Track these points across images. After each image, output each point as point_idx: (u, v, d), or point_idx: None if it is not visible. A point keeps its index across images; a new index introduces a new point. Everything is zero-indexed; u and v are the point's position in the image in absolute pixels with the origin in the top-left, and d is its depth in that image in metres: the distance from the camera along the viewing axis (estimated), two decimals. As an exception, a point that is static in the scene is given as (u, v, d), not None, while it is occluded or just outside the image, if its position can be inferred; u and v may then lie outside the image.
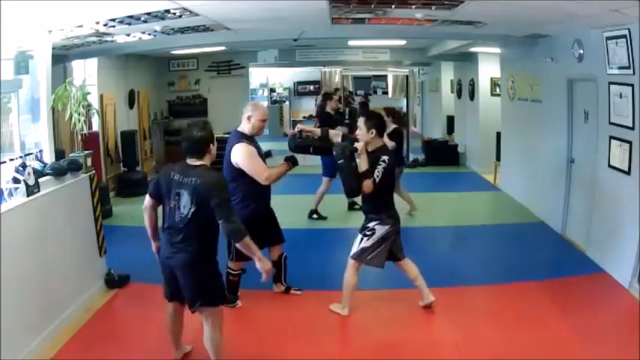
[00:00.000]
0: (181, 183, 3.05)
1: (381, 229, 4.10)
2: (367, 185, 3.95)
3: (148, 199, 3.31)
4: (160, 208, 3.32)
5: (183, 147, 3.16)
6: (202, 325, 3.29)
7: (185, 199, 3.03)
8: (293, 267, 4.83)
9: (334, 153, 4.16)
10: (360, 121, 4.12)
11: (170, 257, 3.15)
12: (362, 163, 4.00)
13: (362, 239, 4.15)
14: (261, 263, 3.16)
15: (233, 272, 4.37)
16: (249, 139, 4.20)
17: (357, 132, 4.12)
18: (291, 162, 4.30)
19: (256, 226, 4.03)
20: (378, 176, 3.95)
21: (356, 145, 4.05)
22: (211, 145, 3.15)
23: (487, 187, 9.39)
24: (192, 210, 3.01)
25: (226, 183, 3.16)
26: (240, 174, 4.10)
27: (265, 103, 17.28)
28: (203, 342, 3.28)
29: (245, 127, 4.25)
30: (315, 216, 7.14)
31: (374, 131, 4.05)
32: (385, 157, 3.99)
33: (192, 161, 3.12)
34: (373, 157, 4.00)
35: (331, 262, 5.12)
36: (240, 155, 4.07)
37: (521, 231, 6.77)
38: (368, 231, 4.12)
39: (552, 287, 4.84)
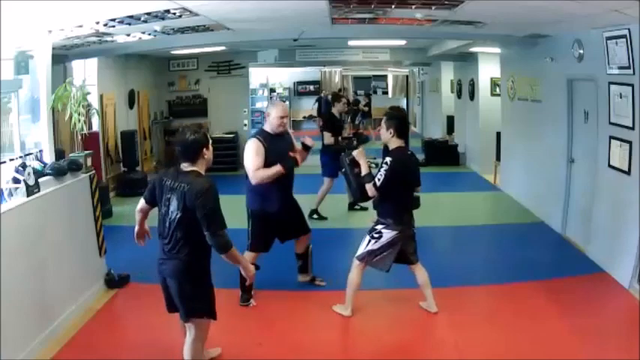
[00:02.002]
0: (172, 188, 3.00)
1: (388, 234, 4.03)
2: (369, 189, 3.93)
3: (142, 203, 3.32)
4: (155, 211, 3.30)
5: (177, 151, 3.07)
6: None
7: (174, 204, 2.97)
8: (293, 267, 4.84)
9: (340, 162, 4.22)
10: (382, 120, 4.12)
11: (162, 263, 3.09)
12: (362, 168, 4.00)
13: (369, 241, 4.10)
14: (246, 270, 3.16)
15: None
16: (267, 136, 4.31)
17: (379, 130, 4.14)
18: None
19: (278, 219, 4.35)
20: (379, 179, 3.90)
21: (353, 152, 4.07)
22: (205, 149, 3.04)
23: (487, 187, 9.39)
24: (179, 216, 2.95)
25: (215, 191, 2.97)
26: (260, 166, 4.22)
27: (265, 103, 17.32)
28: (183, 350, 3.17)
29: (266, 125, 4.40)
30: (315, 216, 7.14)
31: (392, 131, 4.00)
32: (388, 159, 3.92)
33: (185, 166, 3.04)
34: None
35: (331, 263, 5.12)
36: (246, 149, 4.27)
37: (521, 231, 6.77)
38: (375, 233, 4.07)
39: (552, 287, 4.84)
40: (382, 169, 3.90)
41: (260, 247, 4.44)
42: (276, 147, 4.28)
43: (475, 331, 4.08)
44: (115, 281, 4.88)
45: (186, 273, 3.03)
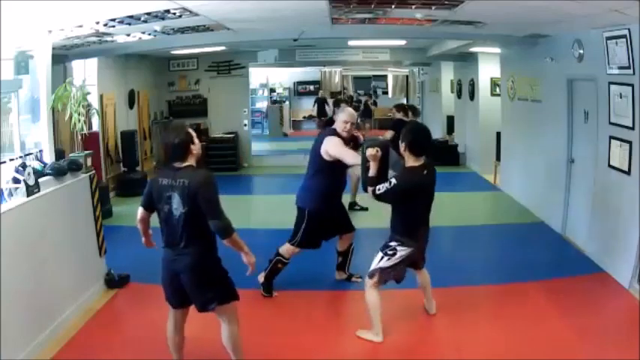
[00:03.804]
0: (172, 186, 3.05)
1: (402, 251, 3.85)
2: (369, 191, 3.80)
3: (141, 212, 3.29)
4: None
5: (167, 154, 3.19)
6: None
7: (177, 200, 3.02)
8: (292, 267, 4.83)
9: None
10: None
11: (174, 260, 3.12)
12: (370, 169, 3.77)
13: (382, 258, 3.88)
14: (248, 257, 3.19)
15: (284, 260, 4.59)
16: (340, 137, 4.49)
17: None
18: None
19: (330, 216, 4.55)
20: (379, 189, 3.69)
21: (367, 150, 3.76)
22: (191, 145, 3.13)
23: (487, 187, 9.39)
24: (184, 211, 3.01)
25: (214, 181, 3.09)
26: (324, 167, 4.41)
27: (265, 103, 17.33)
28: (222, 342, 3.27)
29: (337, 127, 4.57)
30: (357, 207, 7.42)
31: (404, 146, 3.75)
32: (393, 180, 3.67)
33: (178, 164, 3.11)
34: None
35: (330, 263, 5.12)
36: (333, 145, 4.37)
37: (521, 231, 6.77)
38: (389, 250, 3.86)
39: (552, 287, 4.84)
40: (386, 184, 3.68)
41: (309, 244, 4.61)
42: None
43: (475, 331, 4.08)
44: (115, 281, 4.89)
45: (201, 265, 3.09)
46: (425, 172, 3.78)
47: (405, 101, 18.29)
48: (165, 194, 3.07)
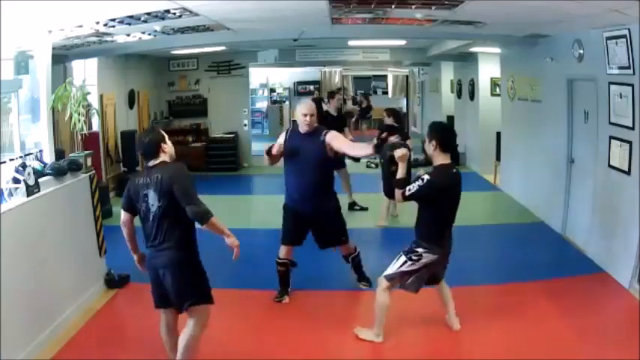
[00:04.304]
0: (147, 184, 3.11)
1: (428, 257, 3.73)
2: (397, 194, 3.71)
3: (123, 215, 3.29)
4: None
5: (140, 155, 3.30)
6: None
7: (152, 196, 3.07)
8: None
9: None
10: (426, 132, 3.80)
11: (154, 257, 3.16)
12: (399, 171, 3.71)
13: (405, 262, 3.76)
14: (230, 239, 3.18)
15: (279, 261, 4.51)
16: (296, 133, 4.45)
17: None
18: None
19: (306, 221, 4.44)
20: (410, 190, 3.62)
21: (395, 152, 3.70)
22: (163, 143, 3.20)
23: (487, 187, 9.38)
24: (160, 205, 3.05)
25: (186, 170, 3.16)
26: (285, 164, 4.40)
27: (265, 103, 17.33)
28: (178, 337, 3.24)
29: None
30: (356, 207, 7.29)
31: (435, 143, 3.66)
32: (425, 176, 3.61)
33: (152, 162, 3.18)
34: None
35: (330, 263, 5.11)
36: (338, 137, 4.41)
37: (521, 231, 6.77)
38: (415, 255, 3.74)
39: (552, 287, 4.84)
40: (415, 183, 3.61)
41: (285, 239, 4.54)
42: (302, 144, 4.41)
43: (475, 331, 4.07)
44: (115, 281, 4.88)
45: (179, 261, 3.11)
46: (454, 170, 3.75)
47: (405, 101, 18.33)
48: (141, 192, 3.12)
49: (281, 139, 4.47)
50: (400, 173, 3.69)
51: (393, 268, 3.81)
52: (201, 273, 3.23)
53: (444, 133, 3.72)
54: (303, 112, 4.33)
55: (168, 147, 3.25)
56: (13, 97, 5.55)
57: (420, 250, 3.74)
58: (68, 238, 4.30)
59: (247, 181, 10.69)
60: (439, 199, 3.68)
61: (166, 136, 3.28)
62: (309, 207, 4.41)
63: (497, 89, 9.67)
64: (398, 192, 3.68)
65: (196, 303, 3.18)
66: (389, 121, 7.48)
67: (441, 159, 3.69)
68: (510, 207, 7.95)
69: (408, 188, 3.63)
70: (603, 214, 5.29)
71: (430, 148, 3.69)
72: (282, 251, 4.54)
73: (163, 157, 3.20)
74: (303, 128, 4.35)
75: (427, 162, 3.94)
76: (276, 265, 4.56)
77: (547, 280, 4.99)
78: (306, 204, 4.40)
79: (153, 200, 3.08)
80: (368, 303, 4.45)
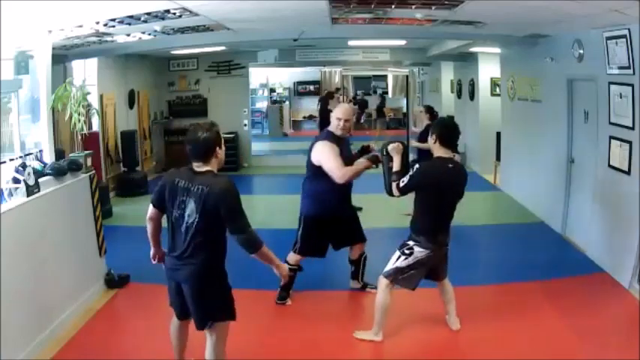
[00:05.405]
0: (188, 190, 2.82)
1: (419, 252, 3.76)
2: (394, 188, 3.76)
3: (151, 210, 3.05)
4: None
5: (188, 150, 2.87)
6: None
7: (191, 207, 2.80)
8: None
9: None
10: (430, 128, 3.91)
11: (176, 270, 2.93)
12: (394, 164, 3.80)
13: (399, 257, 3.82)
14: (280, 269, 3.06)
15: (290, 266, 4.36)
16: (335, 138, 4.25)
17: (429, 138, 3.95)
18: (372, 160, 4.19)
19: (335, 224, 4.33)
20: (403, 181, 3.69)
21: (388, 147, 3.84)
22: (218, 148, 2.88)
23: (487, 187, 9.38)
24: (197, 219, 2.78)
25: (235, 189, 2.84)
26: (318, 171, 4.17)
27: (265, 103, 17.33)
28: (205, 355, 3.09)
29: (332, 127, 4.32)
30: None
31: (435, 137, 3.73)
32: (416, 166, 3.71)
33: (197, 166, 2.87)
34: None
35: (330, 263, 5.11)
36: (320, 152, 4.16)
37: (521, 231, 6.77)
38: (407, 249, 3.79)
39: (552, 287, 4.84)
40: (410, 173, 3.70)
41: (310, 251, 4.45)
42: (342, 149, 4.26)
43: (475, 331, 4.07)
44: (115, 281, 4.88)
45: (204, 277, 2.88)
46: (450, 165, 3.76)
47: (405, 101, 18.32)
48: (179, 197, 2.85)
49: (336, 150, 4.15)
50: (395, 166, 3.81)
51: (389, 265, 3.88)
52: (226, 289, 3.01)
53: (444, 129, 3.79)
54: (338, 116, 4.22)
55: (221, 153, 2.91)
56: (13, 97, 5.56)
57: (410, 242, 3.79)
58: (68, 238, 4.30)
59: (247, 181, 10.68)
60: (430, 190, 3.72)
61: (223, 139, 2.92)
62: (346, 208, 4.46)
63: (497, 89, 9.67)
64: (394, 185, 3.76)
65: (218, 320, 2.98)
66: (425, 118, 7.40)
67: (440, 152, 3.75)
68: (510, 207, 7.95)
69: (402, 180, 3.72)
70: (603, 214, 5.29)
71: (431, 141, 3.79)
72: (295, 258, 4.45)
73: (212, 165, 2.88)
74: (338, 132, 4.24)
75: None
76: (291, 271, 4.48)
77: (547, 280, 4.99)
78: (344, 206, 4.42)
79: (190, 211, 2.80)
80: (368, 303, 4.47)
